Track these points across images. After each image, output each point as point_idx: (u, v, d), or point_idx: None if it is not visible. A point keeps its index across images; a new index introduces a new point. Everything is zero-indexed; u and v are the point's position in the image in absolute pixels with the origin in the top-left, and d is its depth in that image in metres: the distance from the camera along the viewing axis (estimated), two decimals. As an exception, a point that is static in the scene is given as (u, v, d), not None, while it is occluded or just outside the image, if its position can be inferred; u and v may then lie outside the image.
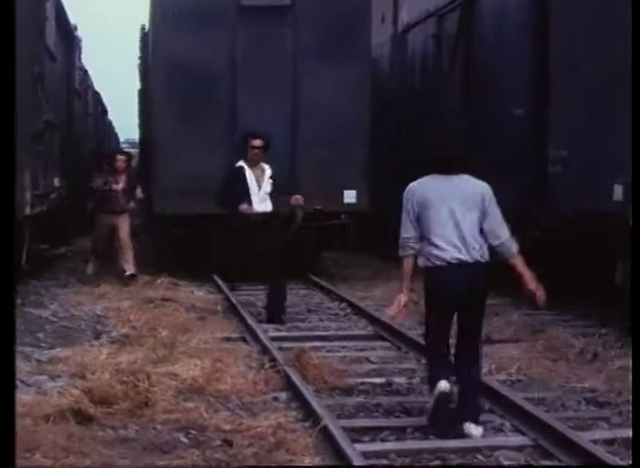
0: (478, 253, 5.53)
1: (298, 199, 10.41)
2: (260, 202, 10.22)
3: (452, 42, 13.04)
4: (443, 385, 5.52)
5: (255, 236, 10.03)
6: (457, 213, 5.52)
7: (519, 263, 5.60)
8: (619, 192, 8.38)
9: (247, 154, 10.27)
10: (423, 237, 5.59)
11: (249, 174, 10.20)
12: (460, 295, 5.55)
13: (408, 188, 5.68)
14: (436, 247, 5.52)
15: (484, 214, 5.56)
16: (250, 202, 10.12)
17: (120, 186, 13.04)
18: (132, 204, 13.32)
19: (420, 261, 5.62)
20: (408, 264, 5.69)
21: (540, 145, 10.33)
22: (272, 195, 10.27)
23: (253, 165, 10.27)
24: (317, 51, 13.19)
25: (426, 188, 5.61)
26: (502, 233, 5.59)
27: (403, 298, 5.69)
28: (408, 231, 5.67)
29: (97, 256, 13.71)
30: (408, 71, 15.52)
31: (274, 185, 10.29)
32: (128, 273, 12.65)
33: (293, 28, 13.31)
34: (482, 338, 5.92)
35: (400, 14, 16.02)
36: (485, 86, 12.04)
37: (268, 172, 10.29)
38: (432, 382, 5.69)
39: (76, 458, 5.11)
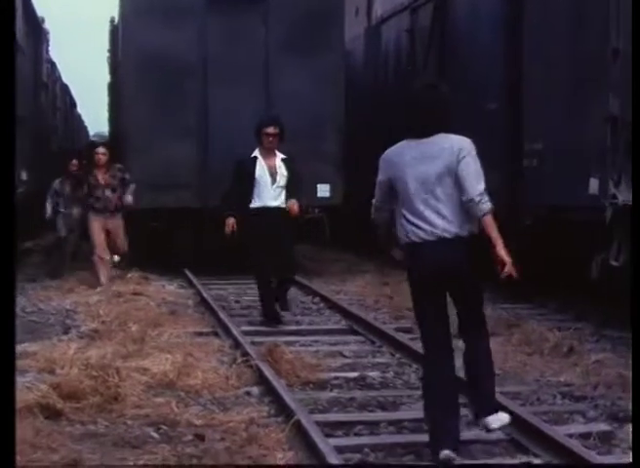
0: (456, 225, 4.98)
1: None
2: (274, 196, 9.30)
3: (425, 35, 12.99)
4: (447, 454, 4.92)
5: (258, 233, 9.19)
6: (428, 182, 5.00)
7: (488, 224, 4.91)
8: (594, 185, 8.35)
9: (262, 144, 9.40)
10: (399, 211, 5.15)
11: (260, 166, 9.31)
12: (439, 274, 5.02)
13: (383, 156, 5.27)
14: (410, 222, 5.06)
15: (457, 172, 4.96)
16: (255, 198, 9.25)
17: (102, 182, 11.98)
18: (128, 197, 11.99)
19: (400, 237, 5.20)
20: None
21: (514, 139, 10.29)
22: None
23: (268, 155, 9.38)
24: (290, 44, 13.10)
25: (399, 155, 5.15)
26: (472, 188, 4.92)
27: None
28: (376, 197, 5.35)
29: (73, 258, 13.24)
30: (382, 65, 15.47)
31: (292, 177, 9.43)
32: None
33: (265, 21, 13.21)
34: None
35: (374, 7, 15.98)
36: (459, 79, 11.98)
37: (282, 164, 9.43)
38: (433, 441, 5.05)
39: (44, 454, 5.02)
